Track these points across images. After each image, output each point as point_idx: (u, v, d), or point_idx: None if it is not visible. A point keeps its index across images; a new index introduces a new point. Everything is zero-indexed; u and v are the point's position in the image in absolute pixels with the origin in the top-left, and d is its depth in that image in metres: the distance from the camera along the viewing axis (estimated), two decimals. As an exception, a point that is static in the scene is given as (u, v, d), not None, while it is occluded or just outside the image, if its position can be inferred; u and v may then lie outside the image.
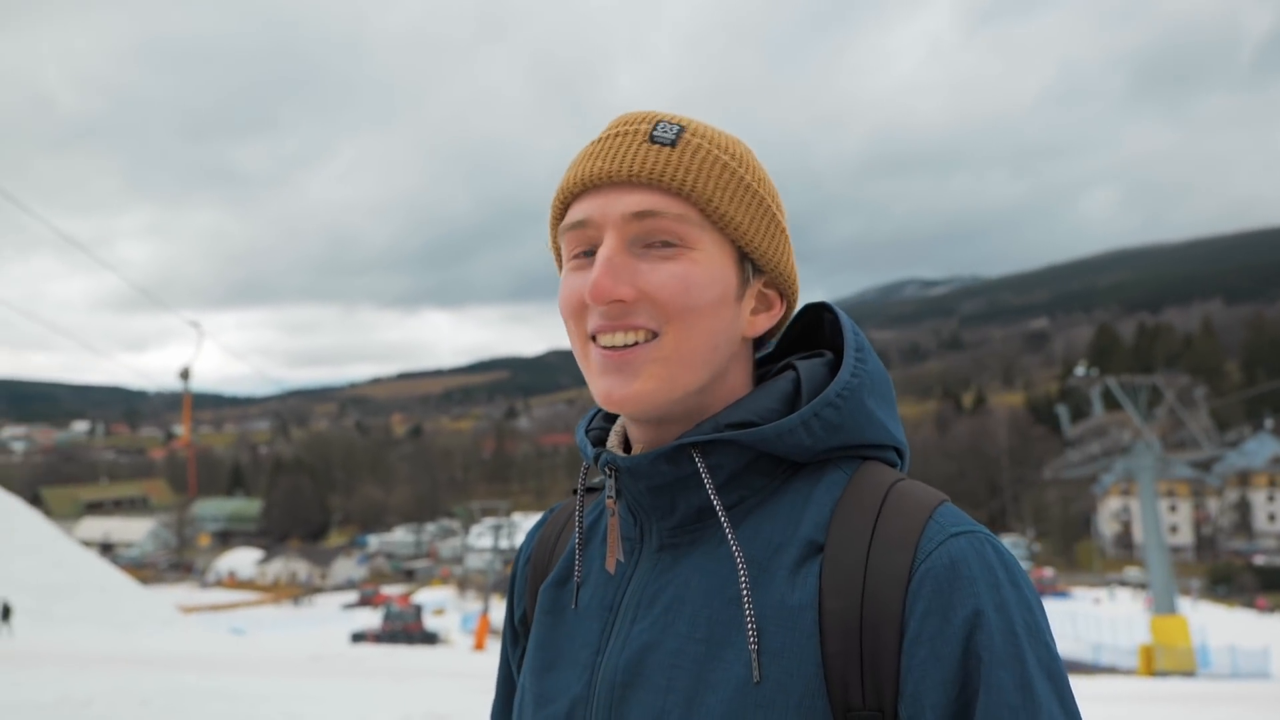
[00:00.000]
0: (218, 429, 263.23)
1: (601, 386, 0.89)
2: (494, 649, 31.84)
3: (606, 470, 0.92)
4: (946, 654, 0.77)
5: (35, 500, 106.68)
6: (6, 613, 22.68)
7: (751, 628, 0.82)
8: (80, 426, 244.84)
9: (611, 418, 1.04)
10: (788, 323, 1.00)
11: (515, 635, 1.12)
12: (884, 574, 0.80)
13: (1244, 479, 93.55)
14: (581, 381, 0.87)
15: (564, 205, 0.94)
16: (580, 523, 0.98)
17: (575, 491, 1.02)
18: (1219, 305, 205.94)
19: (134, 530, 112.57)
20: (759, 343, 1.00)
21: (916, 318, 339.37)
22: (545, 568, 1.07)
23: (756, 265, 0.93)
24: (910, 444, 0.95)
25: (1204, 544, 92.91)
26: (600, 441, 1.01)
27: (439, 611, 54.84)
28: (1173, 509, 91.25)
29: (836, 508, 0.86)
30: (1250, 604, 63.85)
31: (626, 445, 1.00)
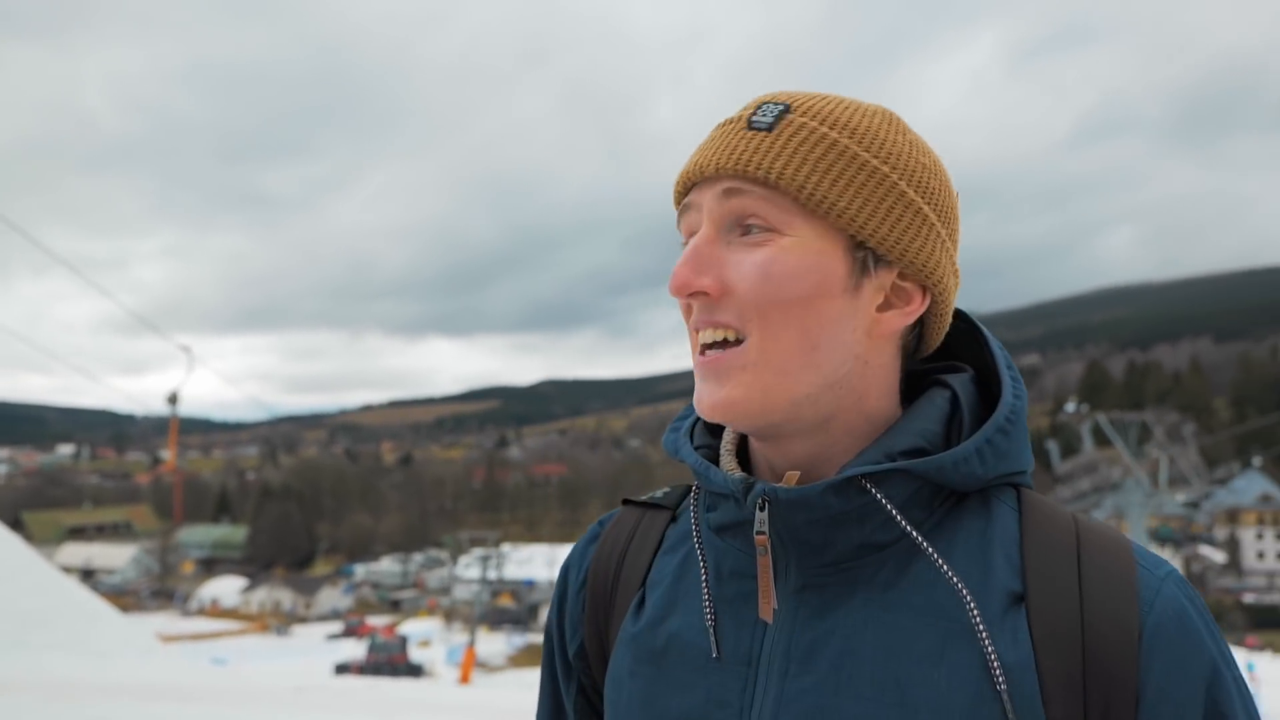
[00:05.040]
0: (206, 454, 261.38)
1: (697, 395, 0.83)
2: (479, 682, 31.41)
3: (760, 503, 0.80)
4: (1190, 713, 0.73)
5: (16, 524, 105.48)
6: None
7: (998, 669, 0.73)
8: (65, 449, 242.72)
9: (712, 427, 0.94)
10: (946, 321, 0.88)
11: (569, 669, 0.99)
12: (1108, 628, 0.74)
13: (1233, 516, 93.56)
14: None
15: (679, 197, 0.88)
16: (702, 554, 0.87)
17: (693, 515, 0.90)
18: (1208, 343, 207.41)
19: (116, 556, 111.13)
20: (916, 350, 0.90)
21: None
22: (609, 596, 0.95)
23: (877, 254, 0.82)
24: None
25: (1194, 581, 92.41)
26: (710, 459, 0.90)
27: (425, 643, 54.16)
28: (1162, 546, 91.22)
29: (1025, 550, 0.79)
30: (1240, 642, 63.50)
31: (738, 460, 0.90)
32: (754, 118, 0.83)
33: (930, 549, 0.77)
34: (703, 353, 0.82)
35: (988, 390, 0.88)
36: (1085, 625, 0.74)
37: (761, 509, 0.80)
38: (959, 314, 0.91)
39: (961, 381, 0.86)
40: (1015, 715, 0.72)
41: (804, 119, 0.82)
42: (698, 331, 0.83)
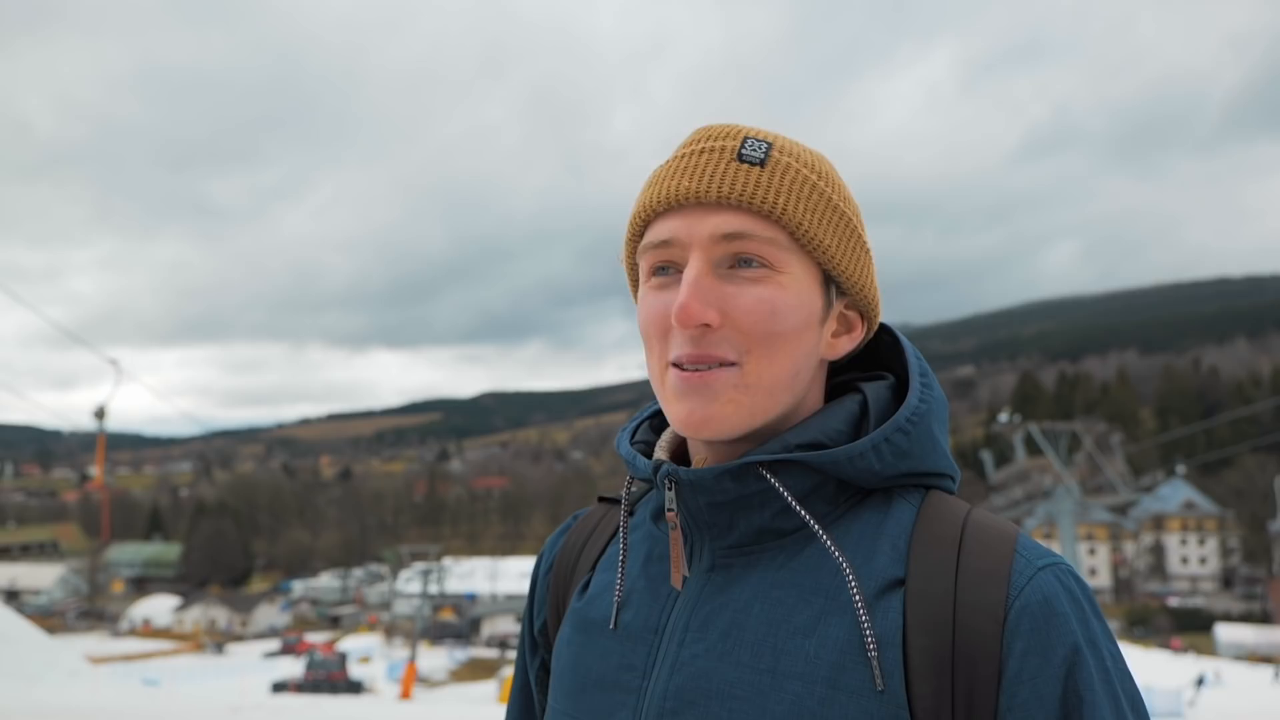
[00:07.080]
0: (137, 470, 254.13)
1: (679, 410, 0.87)
2: (421, 698, 31.10)
3: (665, 482, 0.89)
4: (1048, 694, 0.77)
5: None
6: None
7: (870, 635, 0.80)
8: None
9: (659, 429, 1.03)
10: (864, 343, 0.97)
11: (534, 645, 1.10)
12: (977, 610, 0.79)
13: (1159, 523, 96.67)
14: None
15: (644, 223, 0.91)
16: (624, 537, 0.96)
17: (620, 502, 1.01)
18: (1134, 355, 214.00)
19: (42, 576, 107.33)
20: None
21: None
22: (568, 579, 1.05)
23: (840, 287, 0.91)
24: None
25: (1121, 586, 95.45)
26: (647, 454, 0.98)
27: (365, 659, 53.32)
28: (1092, 552, 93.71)
29: (913, 540, 0.85)
30: (1165, 644, 65.63)
31: (674, 456, 0.98)
32: (744, 151, 0.87)
33: (822, 533, 0.84)
34: (683, 369, 0.86)
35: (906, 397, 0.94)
36: (957, 608, 0.80)
37: (669, 489, 0.88)
38: (886, 328, 0.99)
39: (875, 388, 0.93)
40: (883, 677, 0.78)
41: (786, 159, 0.88)
42: (682, 364, 0.87)
